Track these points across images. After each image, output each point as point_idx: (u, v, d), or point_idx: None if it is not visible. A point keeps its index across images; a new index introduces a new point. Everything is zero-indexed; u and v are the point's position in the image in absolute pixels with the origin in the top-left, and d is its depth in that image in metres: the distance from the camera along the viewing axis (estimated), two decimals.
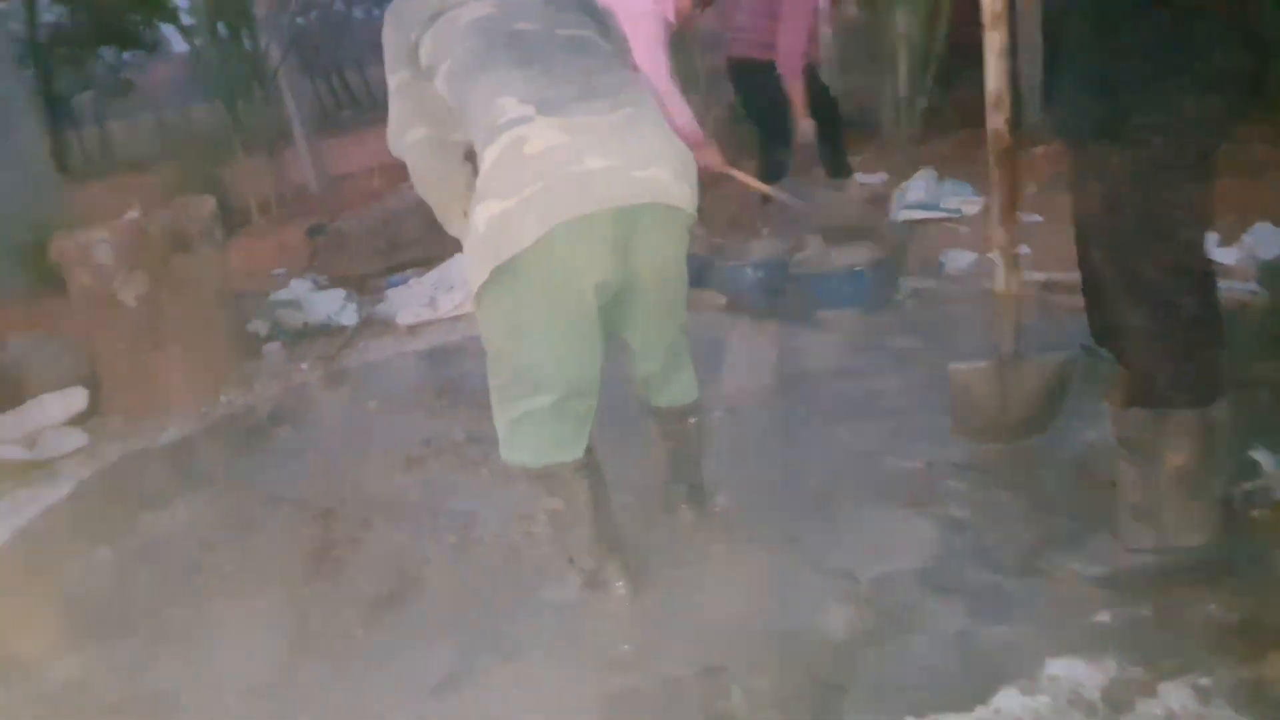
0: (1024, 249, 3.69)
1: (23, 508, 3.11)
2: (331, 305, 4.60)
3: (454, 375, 3.50)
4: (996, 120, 1.93)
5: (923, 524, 2.09)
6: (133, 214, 3.96)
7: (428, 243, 5.41)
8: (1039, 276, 3.34)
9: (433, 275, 4.82)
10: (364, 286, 5.19)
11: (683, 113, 3.15)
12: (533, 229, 1.66)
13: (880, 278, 3.34)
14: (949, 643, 1.74)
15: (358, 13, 23.17)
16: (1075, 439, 2.32)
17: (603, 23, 1.99)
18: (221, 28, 6.18)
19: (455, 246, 5.21)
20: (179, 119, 19.48)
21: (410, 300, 4.59)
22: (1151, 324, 1.67)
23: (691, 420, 2.16)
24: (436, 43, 1.87)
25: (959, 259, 3.65)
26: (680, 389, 2.11)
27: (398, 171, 8.35)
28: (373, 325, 4.47)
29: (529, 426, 1.87)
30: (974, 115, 5.30)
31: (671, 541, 2.16)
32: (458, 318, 4.33)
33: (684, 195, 1.81)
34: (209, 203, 4.00)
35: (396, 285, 5.07)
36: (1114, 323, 1.75)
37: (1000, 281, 2.13)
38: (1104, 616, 1.71)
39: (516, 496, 2.39)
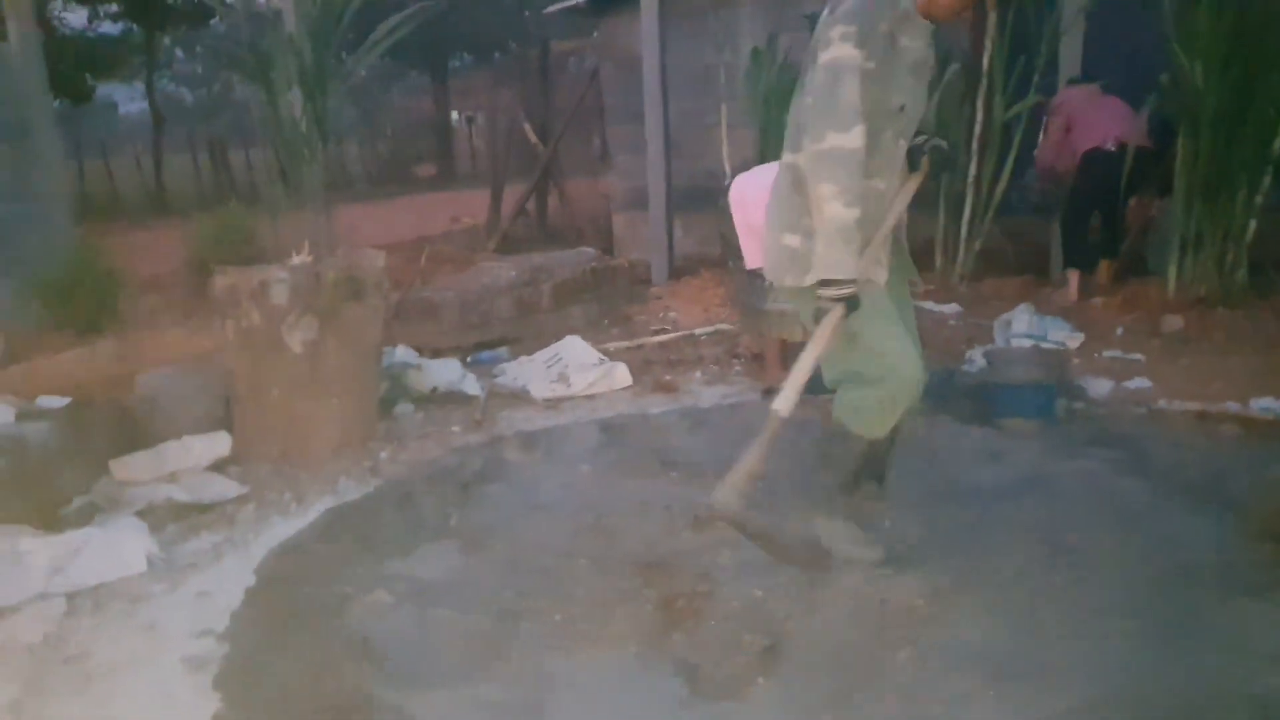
0: (1144, 382, 4.11)
1: (226, 555, 2.92)
2: (452, 373, 4.55)
3: (660, 447, 3.54)
4: None
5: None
6: (303, 257, 3.89)
7: (516, 322, 5.48)
8: (1193, 406, 3.72)
9: (544, 353, 4.86)
10: (444, 356, 5.14)
11: None
12: None
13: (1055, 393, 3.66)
14: None
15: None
16: None
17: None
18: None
19: (542, 330, 5.32)
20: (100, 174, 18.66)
21: (532, 376, 4.60)
22: None
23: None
24: None
25: (1099, 385, 4.01)
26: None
27: (444, 251, 8.25)
28: (499, 396, 4.45)
29: (878, 404, 2.43)
30: (1028, 260, 5.89)
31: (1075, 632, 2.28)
32: (592, 396, 4.38)
33: (764, 269, 2.52)
34: (380, 255, 3.97)
35: (487, 361, 5.08)
36: None
37: None
38: None
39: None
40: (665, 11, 6.78)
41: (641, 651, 2.25)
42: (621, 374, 4.53)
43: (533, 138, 8.80)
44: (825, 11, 2.26)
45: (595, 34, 7.89)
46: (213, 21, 19.18)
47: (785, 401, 2.32)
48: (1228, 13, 4.56)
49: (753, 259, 3.98)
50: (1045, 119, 5.53)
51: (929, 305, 5.57)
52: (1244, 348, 4.38)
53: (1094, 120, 5.22)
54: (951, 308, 5.52)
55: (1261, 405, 3.67)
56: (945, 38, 5.66)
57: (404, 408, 4.23)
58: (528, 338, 5.40)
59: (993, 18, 5.37)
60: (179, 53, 29.99)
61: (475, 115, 24.92)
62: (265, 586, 2.65)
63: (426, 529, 2.98)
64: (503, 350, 5.26)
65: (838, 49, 2.15)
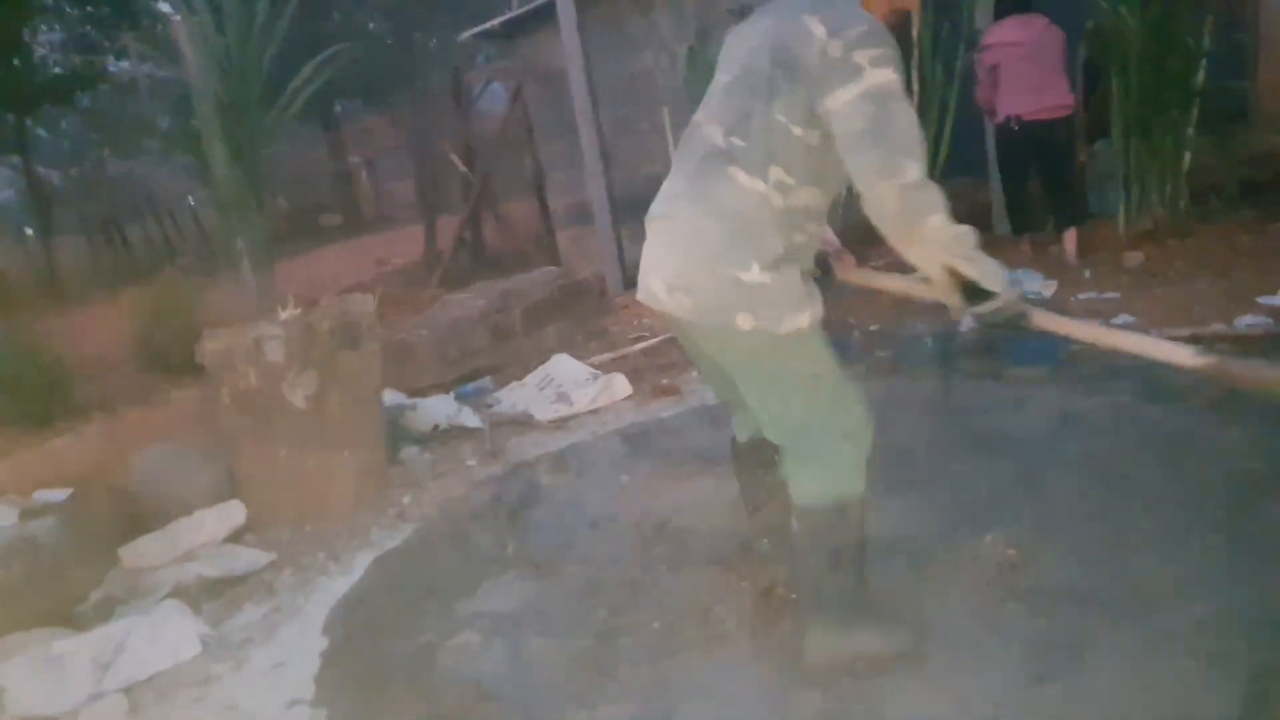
0: (1128, 317, 4.27)
1: (283, 623, 2.79)
2: (448, 409, 4.46)
3: (690, 447, 3.51)
4: None
5: None
6: (291, 311, 3.76)
7: (493, 351, 5.41)
8: (1183, 332, 3.86)
9: (534, 376, 4.80)
10: (427, 396, 5.04)
11: None
12: None
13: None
14: None
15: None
16: None
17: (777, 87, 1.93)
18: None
19: (520, 355, 5.26)
20: None
21: (529, 400, 4.54)
22: None
23: (794, 523, 2.08)
24: None
25: None
26: (792, 486, 2.08)
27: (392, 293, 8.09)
28: (502, 425, 4.37)
29: (862, 459, 2.03)
30: (974, 220, 6.07)
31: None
32: (596, 410, 4.34)
33: (680, 305, 1.98)
34: (369, 300, 3.86)
35: (472, 393, 4.98)
36: None
37: None
38: None
39: (939, 524, 2.51)
40: (584, 23, 6.80)
41: (756, 644, 2.23)
42: (620, 385, 4.50)
43: (461, 166, 8.71)
44: (810, 24, 1.89)
45: (483, 57, 7.88)
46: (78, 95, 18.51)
47: (1185, 351, 1.97)
48: None
49: None
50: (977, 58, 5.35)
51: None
52: (1206, 272, 4.59)
53: (1011, 86, 5.07)
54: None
55: (1245, 323, 3.84)
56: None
57: (409, 450, 4.11)
58: (507, 365, 5.34)
59: None
60: (41, 133, 28.83)
61: (375, 158, 24.56)
62: (341, 647, 2.55)
63: (486, 564, 2.90)
64: (485, 381, 5.17)
65: (875, 75, 1.85)
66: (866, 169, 1.86)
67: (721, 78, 2.12)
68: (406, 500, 3.62)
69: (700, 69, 5.77)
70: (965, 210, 6.32)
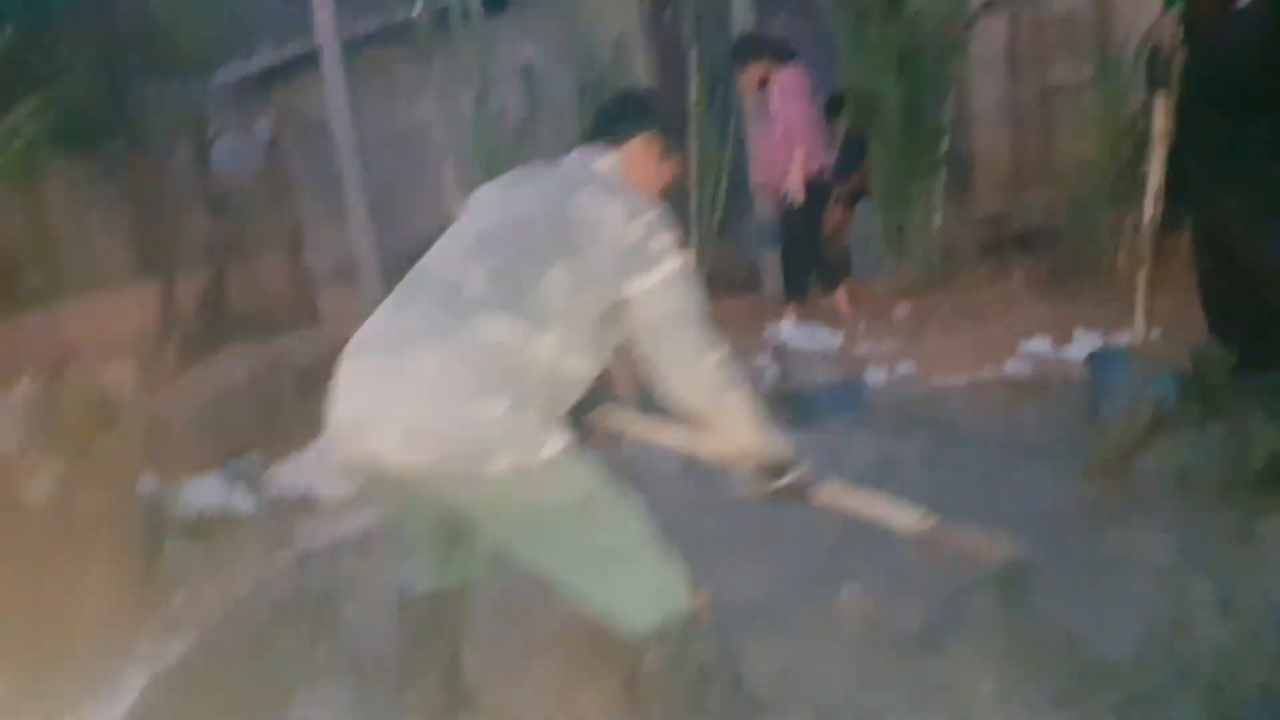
0: (908, 366, 4.54)
1: None
2: (215, 494, 3.93)
3: None
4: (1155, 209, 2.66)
5: None
6: (29, 383, 3.16)
7: (262, 423, 4.87)
8: (961, 379, 4.15)
9: (315, 449, 4.35)
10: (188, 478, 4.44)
11: None
12: None
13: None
14: None
15: None
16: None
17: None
18: None
19: (294, 427, 4.79)
20: None
21: (311, 477, 4.10)
22: None
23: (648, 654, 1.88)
24: None
25: (874, 375, 4.36)
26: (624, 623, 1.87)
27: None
28: (282, 507, 3.91)
29: (669, 562, 1.87)
30: (744, 280, 6.21)
31: None
32: None
33: (419, 457, 1.74)
34: (128, 369, 3.33)
35: (239, 473, 4.44)
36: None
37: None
38: None
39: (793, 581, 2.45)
40: (351, 70, 6.45)
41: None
42: None
43: (206, 221, 7.97)
44: (598, 204, 1.89)
45: (224, 104, 7.30)
46: None
47: (909, 519, 2.18)
48: (891, 33, 5.20)
49: None
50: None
51: None
52: (966, 322, 4.98)
53: (814, 139, 5.17)
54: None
55: (1009, 369, 4.18)
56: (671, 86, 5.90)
57: (173, 543, 3.56)
58: (279, 439, 4.82)
59: (693, 55, 5.69)
60: None
61: (85, 211, 22.18)
62: None
63: (293, 671, 2.51)
64: (252, 458, 4.64)
65: (673, 260, 1.89)
66: (681, 348, 1.90)
67: (472, 226, 1.98)
68: (179, 603, 3.11)
69: (484, 122, 5.63)
70: (734, 269, 6.54)
